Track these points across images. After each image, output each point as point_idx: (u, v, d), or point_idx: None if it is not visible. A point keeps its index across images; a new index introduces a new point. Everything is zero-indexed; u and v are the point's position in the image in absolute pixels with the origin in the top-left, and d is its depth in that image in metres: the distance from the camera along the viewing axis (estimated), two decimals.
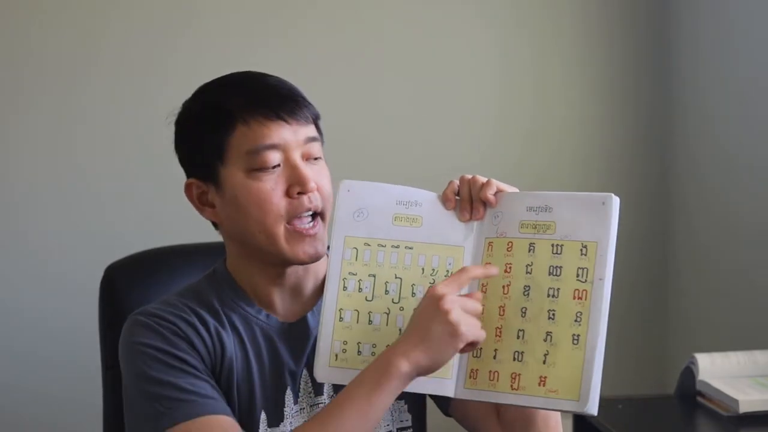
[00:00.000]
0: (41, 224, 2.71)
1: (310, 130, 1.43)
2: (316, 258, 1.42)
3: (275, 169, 1.39)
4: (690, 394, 2.14)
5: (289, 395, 1.45)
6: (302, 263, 1.42)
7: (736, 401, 1.99)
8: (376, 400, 1.26)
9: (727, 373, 2.12)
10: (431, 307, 1.25)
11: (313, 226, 1.41)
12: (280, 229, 1.39)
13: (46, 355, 2.69)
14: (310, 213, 1.40)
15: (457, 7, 2.86)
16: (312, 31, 2.80)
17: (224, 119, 1.40)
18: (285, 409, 1.44)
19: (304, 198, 1.39)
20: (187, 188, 1.47)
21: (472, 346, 1.27)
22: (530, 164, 2.86)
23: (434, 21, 2.85)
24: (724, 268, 2.64)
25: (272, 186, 1.39)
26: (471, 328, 1.25)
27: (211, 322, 1.43)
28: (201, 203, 1.46)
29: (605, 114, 2.91)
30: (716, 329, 2.67)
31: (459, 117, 2.87)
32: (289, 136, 1.40)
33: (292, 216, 1.39)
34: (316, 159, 1.43)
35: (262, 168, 1.39)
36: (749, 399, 1.99)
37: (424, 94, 2.85)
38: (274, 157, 1.39)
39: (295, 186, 1.39)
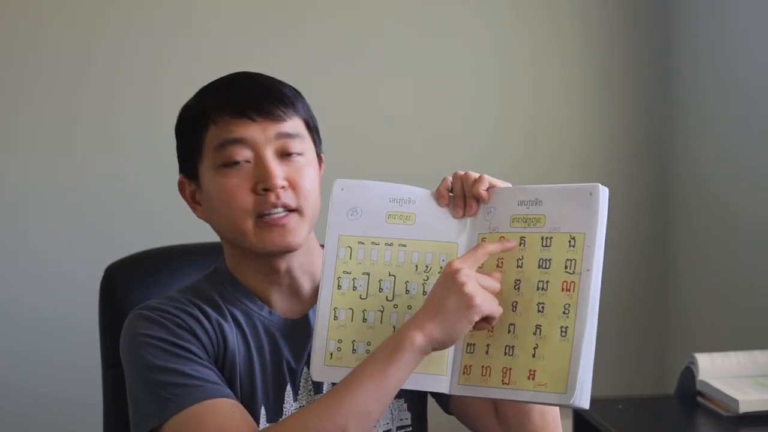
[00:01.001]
0: (41, 224, 2.71)
1: (285, 127, 1.42)
2: (285, 248, 1.41)
3: (243, 165, 1.40)
4: (690, 394, 2.14)
5: (288, 392, 1.45)
6: (271, 254, 1.42)
7: (736, 401, 1.98)
8: (390, 373, 1.25)
9: (727, 373, 2.11)
10: (447, 280, 1.24)
11: (284, 216, 1.40)
12: (249, 224, 1.40)
13: (46, 355, 2.69)
14: (279, 210, 1.40)
15: (457, 7, 2.86)
16: (312, 31, 2.80)
17: (200, 118, 1.43)
18: (284, 405, 1.44)
19: (271, 194, 1.39)
20: (180, 186, 1.50)
21: (487, 322, 1.25)
22: (530, 164, 2.87)
23: (434, 21, 2.85)
24: (724, 268, 2.63)
25: (238, 182, 1.40)
26: (486, 302, 1.24)
27: (213, 314, 1.43)
28: (194, 201, 1.49)
29: (605, 114, 2.91)
30: (716, 329, 2.67)
31: (459, 117, 2.87)
32: (257, 133, 1.40)
33: (259, 212, 1.39)
34: (296, 155, 1.42)
35: (227, 163, 1.40)
36: (749, 399, 1.99)
37: (424, 94, 2.85)
38: (241, 152, 1.40)
39: (261, 182, 1.39)
